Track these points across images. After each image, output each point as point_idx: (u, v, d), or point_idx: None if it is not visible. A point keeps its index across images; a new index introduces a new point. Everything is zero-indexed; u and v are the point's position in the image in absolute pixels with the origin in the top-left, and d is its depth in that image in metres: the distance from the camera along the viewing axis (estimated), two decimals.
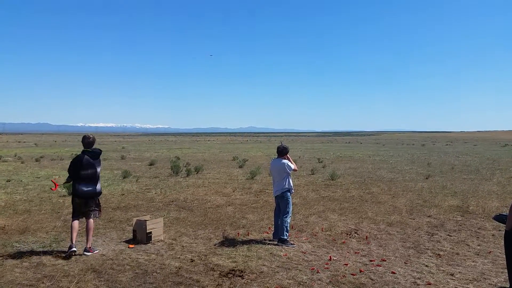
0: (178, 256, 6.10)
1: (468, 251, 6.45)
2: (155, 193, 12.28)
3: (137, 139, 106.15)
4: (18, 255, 6.09)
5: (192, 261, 5.86)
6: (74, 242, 6.10)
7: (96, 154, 6.42)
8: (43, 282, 5.00)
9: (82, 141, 6.47)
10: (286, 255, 6.17)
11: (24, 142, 69.50)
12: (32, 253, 6.19)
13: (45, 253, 6.19)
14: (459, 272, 5.45)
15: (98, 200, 6.57)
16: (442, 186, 13.81)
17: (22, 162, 23.90)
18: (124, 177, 16.15)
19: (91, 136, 6.51)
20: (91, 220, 6.40)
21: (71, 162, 6.40)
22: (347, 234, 7.50)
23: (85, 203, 6.34)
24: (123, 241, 6.94)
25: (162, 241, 6.97)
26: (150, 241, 6.83)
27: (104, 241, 6.98)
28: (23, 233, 7.40)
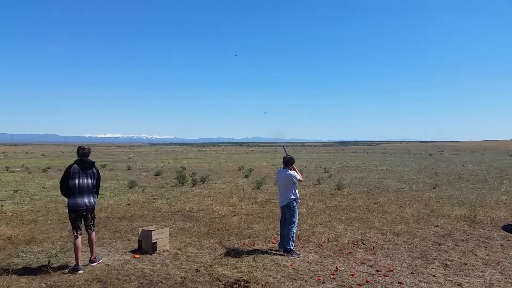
0: (184, 266, 6.08)
1: (476, 261, 6.37)
2: (161, 203, 12.29)
3: (143, 149, 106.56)
4: (24, 265, 6.11)
5: (197, 271, 5.84)
6: (80, 263, 5.94)
7: (87, 164, 6.26)
8: None
9: (77, 152, 6.36)
10: (292, 265, 6.13)
11: (32, 153, 70.02)
12: (38, 263, 6.20)
13: (51, 263, 6.19)
14: (467, 282, 5.38)
15: (94, 214, 6.45)
16: (449, 195, 13.69)
17: (29, 173, 24.06)
18: (130, 187, 16.18)
19: (86, 147, 6.38)
20: (93, 234, 6.32)
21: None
22: (354, 244, 7.44)
23: (82, 217, 6.21)
24: (129, 251, 6.93)
25: (167, 251, 6.95)
26: (156, 251, 6.83)
27: (109, 251, 6.99)
28: (29, 243, 7.43)
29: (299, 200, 7.22)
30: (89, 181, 6.28)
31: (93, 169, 6.37)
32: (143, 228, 7.19)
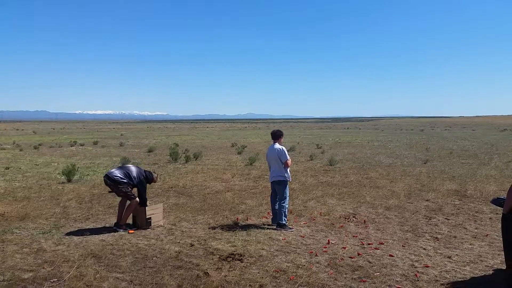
0: (178, 241, 6.14)
1: (466, 234, 6.50)
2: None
3: (135, 126, 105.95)
4: (19, 241, 6.13)
5: (191, 246, 5.90)
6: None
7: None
8: (43, 267, 5.03)
9: None
10: (284, 239, 6.22)
11: (23, 130, 69.31)
12: (32, 239, 6.22)
13: (45, 239, 6.22)
14: (457, 254, 5.51)
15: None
16: (440, 170, 13.86)
17: (21, 150, 23.86)
18: (123, 164, 16.12)
19: None
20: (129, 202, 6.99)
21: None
22: (345, 218, 7.54)
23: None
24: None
25: (161, 226, 7.01)
26: (150, 227, 6.87)
27: (104, 226, 7.02)
28: (22, 219, 7.43)
29: (290, 179, 7.13)
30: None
31: None
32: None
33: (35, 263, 5.19)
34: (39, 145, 27.83)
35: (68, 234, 6.52)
